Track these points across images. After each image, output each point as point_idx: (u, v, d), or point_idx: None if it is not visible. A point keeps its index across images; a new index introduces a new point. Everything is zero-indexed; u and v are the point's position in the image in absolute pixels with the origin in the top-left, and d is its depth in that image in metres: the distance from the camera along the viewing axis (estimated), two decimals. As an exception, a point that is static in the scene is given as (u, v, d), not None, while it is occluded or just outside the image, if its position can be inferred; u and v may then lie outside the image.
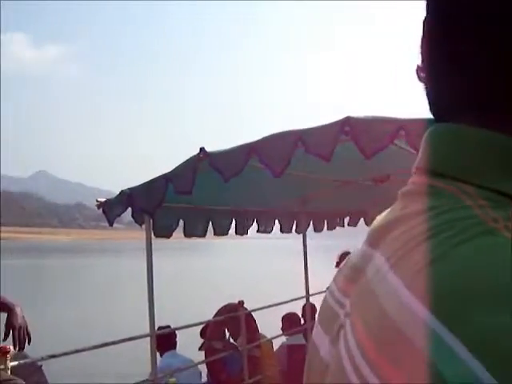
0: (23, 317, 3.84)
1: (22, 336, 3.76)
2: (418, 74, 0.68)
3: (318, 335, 0.72)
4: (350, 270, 0.70)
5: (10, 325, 3.78)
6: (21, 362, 4.37)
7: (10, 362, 4.12)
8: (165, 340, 6.50)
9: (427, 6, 0.66)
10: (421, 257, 0.54)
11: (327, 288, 0.78)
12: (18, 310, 3.86)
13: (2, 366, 4.05)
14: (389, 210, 0.70)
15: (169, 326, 6.74)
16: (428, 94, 0.67)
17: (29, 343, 3.80)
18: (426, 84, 0.67)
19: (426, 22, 0.66)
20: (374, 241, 0.66)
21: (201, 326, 7.19)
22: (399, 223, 0.62)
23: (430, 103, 0.67)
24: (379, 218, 0.71)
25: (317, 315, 0.79)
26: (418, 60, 0.68)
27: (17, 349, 3.79)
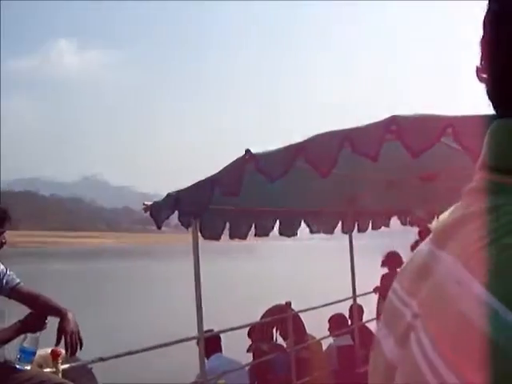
0: (75, 322, 3.88)
1: (74, 341, 3.79)
2: (478, 74, 0.67)
3: (383, 335, 0.72)
4: (416, 270, 0.70)
5: (62, 330, 3.80)
6: (72, 364, 4.40)
7: (61, 364, 4.16)
8: (211, 343, 6.48)
9: (489, 5, 0.65)
10: (493, 255, 0.54)
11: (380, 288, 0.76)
12: (70, 315, 3.88)
13: (54, 369, 4.09)
14: (452, 208, 0.69)
15: (212, 330, 6.71)
16: (489, 95, 0.66)
17: (80, 348, 3.83)
18: (487, 84, 0.66)
19: (487, 22, 0.65)
20: (440, 240, 0.66)
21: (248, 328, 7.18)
22: (466, 222, 0.62)
23: (492, 103, 0.66)
24: (443, 218, 0.69)
25: (382, 315, 0.78)
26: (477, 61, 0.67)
27: (69, 354, 3.82)
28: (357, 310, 8.41)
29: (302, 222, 7.45)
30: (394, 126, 4.35)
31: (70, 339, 3.79)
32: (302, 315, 7.58)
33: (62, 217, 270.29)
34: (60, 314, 3.91)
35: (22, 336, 3.82)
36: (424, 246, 0.70)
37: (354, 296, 8.59)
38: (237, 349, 7.31)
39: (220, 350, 6.75)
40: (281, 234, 7.11)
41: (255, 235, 6.71)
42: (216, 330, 6.69)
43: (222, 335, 6.78)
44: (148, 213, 5.62)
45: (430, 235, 0.70)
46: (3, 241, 3.94)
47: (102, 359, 4.64)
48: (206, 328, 6.43)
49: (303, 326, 7.51)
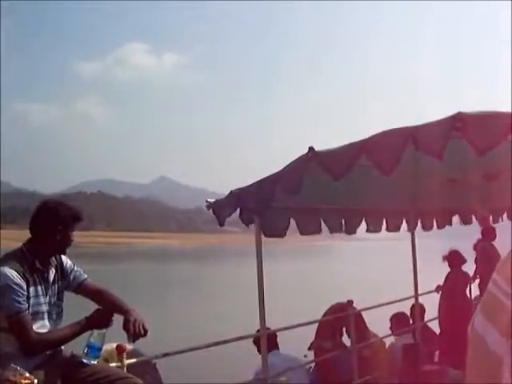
0: (140, 316, 3.85)
1: (137, 327, 3.78)
2: None
3: (483, 326, 0.68)
4: None
5: (127, 321, 3.80)
6: (136, 359, 4.39)
7: (126, 359, 4.14)
8: (268, 340, 6.37)
9: None
10: None
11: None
12: (134, 311, 3.88)
13: (119, 364, 4.07)
14: None
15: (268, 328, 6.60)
16: None
17: (144, 335, 3.80)
18: None
19: None
20: None
21: (311, 326, 7.04)
22: None
23: None
24: None
25: (479, 306, 0.73)
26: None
27: (131, 340, 3.80)
28: (419, 309, 8.18)
29: (363, 221, 7.30)
30: (459, 122, 4.20)
31: (134, 325, 3.78)
32: (363, 313, 7.42)
33: (134, 217, 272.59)
34: (124, 311, 3.90)
35: (89, 331, 3.81)
36: None
37: (416, 295, 8.37)
38: (297, 346, 7.20)
39: (277, 347, 6.65)
40: (345, 231, 6.96)
41: (313, 232, 6.57)
42: (273, 328, 6.59)
43: (281, 333, 6.68)
44: (211, 211, 5.57)
45: None
46: (71, 240, 3.93)
47: (166, 355, 4.60)
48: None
49: (365, 324, 7.35)
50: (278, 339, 6.69)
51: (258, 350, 6.21)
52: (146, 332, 3.82)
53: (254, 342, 6.47)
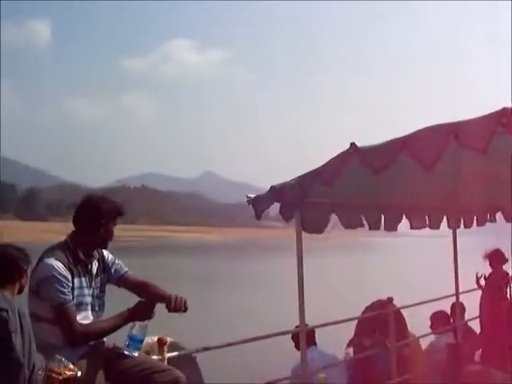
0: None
1: (178, 300, 3.89)
2: None
3: None
4: None
5: (169, 295, 3.92)
6: (177, 353, 4.40)
7: (167, 353, 4.15)
8: (306, 336, 6.31)
9: None
10: None
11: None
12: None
13: (160, 357, 4.09)
14: None
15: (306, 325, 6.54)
16: None
17: (185, 311, 3.90)
18: None
19: None
20: None
21: (350, 322, 6.96)
22: None
23: None
24: None
25: None
26: None
27: (171, 311, 3.90)
28: (460, 308, 8.03)
29: (404, 218, 7.19)
30: (505, 118, 4.10)
31: (175, 299, 3.89)
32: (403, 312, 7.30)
33: (177, 212, 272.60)
34: (167, 299, 3.94)
35: (131, 323, 3.83)
36: None
37: (457, 294, 8.19)
38: (334, 343, 7.13)
39: (314, 344, 6.58)
40: (385, 228, 6.87)
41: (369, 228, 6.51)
42: (311, 324, 6.51)
43: (320, 329, 6.61)
44: (251, 205, 5.55)
45: None
46: (113, 233, 3.97)
47: (206, 349, 4.60)
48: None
49: (404, 322, 7.23)
50: (316, 336, 6.64)
51: (296, 346, 6.16)
52: (186, 308, 3.91)
53: (292, 337, 6.43)
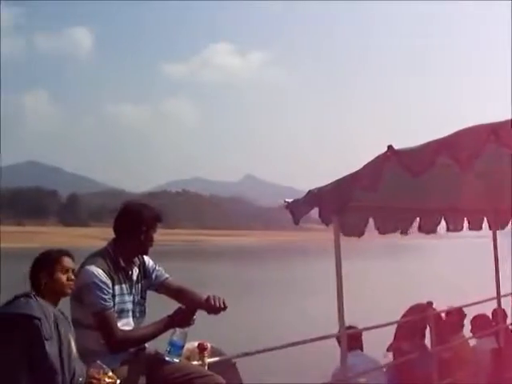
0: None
1: (217, 299, 3.88)
2: None
3: None
4: None
5: (208, 296, 3.92)
6: (217, 358, 4.39)
7: (207, 358, 4.14)
8: (350, 339, 6.23)
9: None
10: None
11: None
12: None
13: (200, 362, 4.08)
14: None
15: (352, 327, 6.42)
16: None
17: (224, 309, 3.90)
18: None
19: None
20: None
21: (390, 327, 6.85)
22: None
23: None
24: None
25: None
26: None
27: (211, 312, 3.90)
28: (501, 312, 7.81)
29: (443, 220, 7.07)
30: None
31: (214, 298, 3.88)
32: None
33: (219, 216, 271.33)
34: (206, 304, 3.91)
35: (172, 330, 3.82)
36: None
37: (498, 297, 7.97)
38: (373, 347, 7.03)
39: (360, 348, 6.45)
40: (424, 231, 6.77)
41: (401, 233, 6.42)
42: (361, 326, 6.41)
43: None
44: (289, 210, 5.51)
45: None
46: (153, 240, 3.97)
47: (246, 354, 4.57)
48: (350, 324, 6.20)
49: (445, 325, 7.09)
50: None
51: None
52: (225, 307, 3.90)
53: (337, 340, 6.33)
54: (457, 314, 7.40)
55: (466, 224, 7.38)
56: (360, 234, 5.82)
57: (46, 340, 3.00)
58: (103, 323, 3.63)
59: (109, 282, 3.70)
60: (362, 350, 6.48)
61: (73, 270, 3.51)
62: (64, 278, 3.44)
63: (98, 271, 3.67)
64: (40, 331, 2.99)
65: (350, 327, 6.18)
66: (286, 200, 5.60)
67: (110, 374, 3.33)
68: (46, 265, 3.46)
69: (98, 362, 3.35)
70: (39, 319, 3.02)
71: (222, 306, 3.89)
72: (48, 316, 3.08)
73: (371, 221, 6.01)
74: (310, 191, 5.33)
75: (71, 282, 3.47)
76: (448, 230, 7.06)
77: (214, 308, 3.88)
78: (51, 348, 3.01)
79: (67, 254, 3.56)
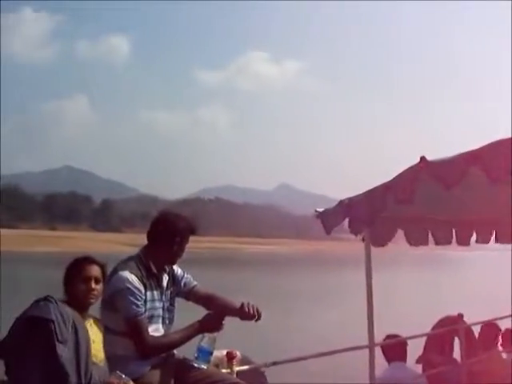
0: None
1: (251, 306, 3.89)
2: None
3: None
4: None
5: (242, 304, 3.93)
6: (246, 367, 4.38)
7: (236, 366, 4.14)
8: (393, 349, 6.03)
9: None
10: None
11: None
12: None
13: (229, 370, 4.08)
14: None
15: (395, 336, 6.24)
16: None
17: (258, 318, 3.91)
18: None
19: None
20: None
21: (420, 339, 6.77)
22: None
23: None
24: None
25: None
26: None
27: (245, 319, 3.91)
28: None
29: (474, 233, 6.97)
30: None
31: (248, 306, 3.89)
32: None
33: (252, 224, 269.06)
34: (237, 311, 3.93)
35: (200, 335, 3.83)
36: None
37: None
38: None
39: (403, 359, 6.21)
40: (457, 242, 6.69)
41: (435, 243, 6.37)
42: (405, 335, 6.27)
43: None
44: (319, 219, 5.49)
45: None
46: (183, 252, 3.99)
47: (275, 363, 4.56)
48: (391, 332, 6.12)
49: (475, 338, 6.98)
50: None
51: (387, 359, 6.02)
52: (259, 315, 3.91)
53: (382, 350, 6.17)
54: (492, 328, 7.28)
55: (494, 236, 7.26)
56: (385, 244, 5.77)
57: (60, 342, 3.03)
58: (135, 329, 3.63)
59: (141, 287, 3.70)
60: (405, 361, 6.27)
61: (96, 278, 3.57)
62: (84, 287, 3.56)
63: (132, 277, 3.68)
64: (53, 333, 3.03)
65: (390, 336, 6.11)
66: (317, 210, 5.58)
67: (131, 383, 3.35)
68: (69, 274, 3.73)
69: (118, 372, 3.36)
70: (53, 322, 3.06)
71: (256, 313, 3.89)
72: (66, 320, 3.11)
73: (400, 231, 5.95)
74: (341, 201, 5.29)
75: (94, 292, 3.56)
76: (477, 241, 6.96)
77: (247, 315, 3.87)
78: (64, 351, 3.03)
79: (93, 261, 3.63)
